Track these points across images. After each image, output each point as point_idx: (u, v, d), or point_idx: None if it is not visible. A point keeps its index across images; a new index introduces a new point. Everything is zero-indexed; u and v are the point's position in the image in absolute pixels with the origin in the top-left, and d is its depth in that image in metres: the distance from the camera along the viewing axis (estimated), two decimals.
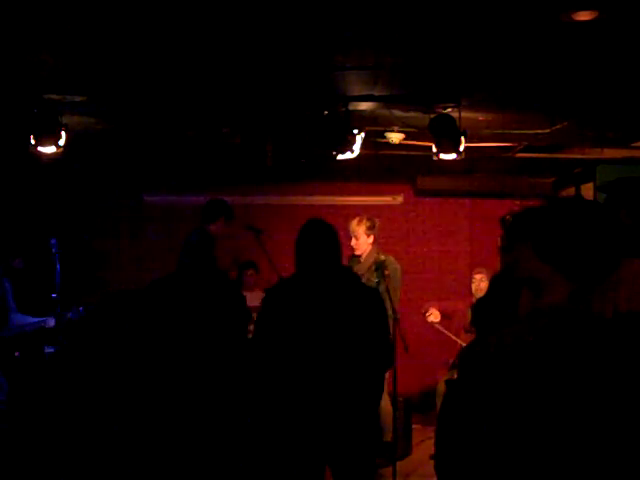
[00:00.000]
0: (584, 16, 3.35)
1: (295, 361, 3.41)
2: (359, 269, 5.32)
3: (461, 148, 5.11)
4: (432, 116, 5.09)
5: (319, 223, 3.65)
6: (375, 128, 5.75)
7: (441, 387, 6.38)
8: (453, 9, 3.36)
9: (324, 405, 3.40)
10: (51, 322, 5.46)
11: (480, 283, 6.63)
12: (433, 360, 7.09)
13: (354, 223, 5.70)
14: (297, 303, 3.49)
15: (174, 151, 6.77)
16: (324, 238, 3.55)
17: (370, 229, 5.70)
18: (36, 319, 5.50)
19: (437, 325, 6.41)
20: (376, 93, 4.85)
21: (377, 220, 6.05)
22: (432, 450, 6.30)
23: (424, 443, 6.25)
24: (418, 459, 5.99)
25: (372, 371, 3.61)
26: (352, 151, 5.30)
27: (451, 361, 6.68)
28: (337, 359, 3.42)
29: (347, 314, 3.47)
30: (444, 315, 6.50)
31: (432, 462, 6.56)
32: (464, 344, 6.32)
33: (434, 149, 5.19)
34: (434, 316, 6.38)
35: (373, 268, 5.49)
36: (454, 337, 6.39)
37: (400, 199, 8.33)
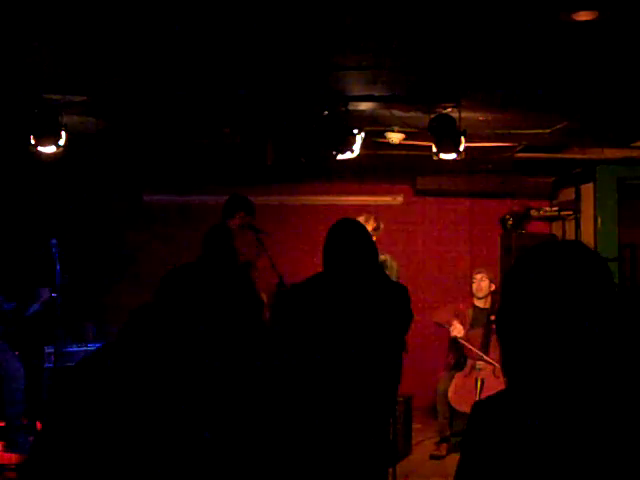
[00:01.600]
0: (584, 16, 3.35)
1: (314, 362, 3.29)
2: None
3: (461, 148, 5.11)
4: (432, 116, 5.09)
5: (352, 222, 3.59)
6: (375, 128, 5.75)
7: (441, 387, 6.38)
8: (453, 9, 3.36)
9: (340, 409, 3.28)
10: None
11: (480, 283, 6.63)
12: (433, 360, 7.09)
13: (361, 220, 5.74)
14: (324, 303, 3.39)
15: (174, 151, 6.78)
16: (357, 237, 3.47)
17: (375, 230, 5.80)
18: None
19: (461, 340, 6.37)
20: (376, 93, 4.85)
21: (382, 223, 6.14)
22: (432, 450, 6.32)
23: (424, 443, 6.25)
24: (418, 459, 5.99)
25: (391, 384, 3.53)
26: (352, 151, 5.30)
27: (451, 361, 6.68)
28: (359, 365, 3.32)
29: (376, 317, 3.38)
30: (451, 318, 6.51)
31: (432, 462, 6.63)
32: (484, 356, 6.29)
33: (434, 149, 5.19)
34: (457, 331, 6.36)
35: None
36: (477, 351, 6.35)
37: (400, 199, 8.33)
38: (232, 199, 6.19)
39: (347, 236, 3.46)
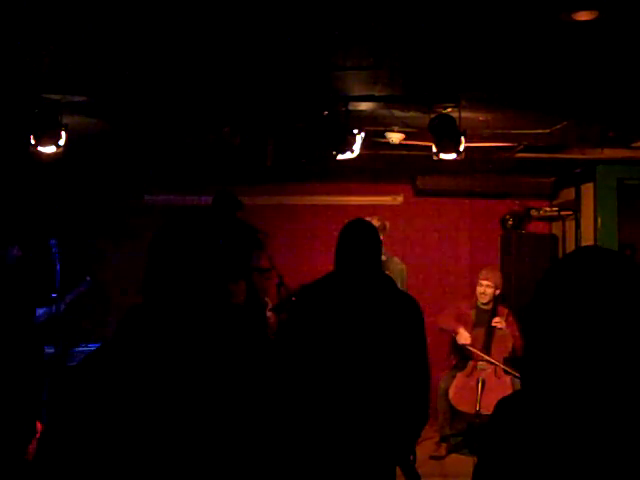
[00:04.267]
0: (584, 16, 3.35)
1: (319, 371, 3.24)
2: None
3: (461, 148, 5.11)
4: (432, 116, 5.09)
5: (363, 223, 3.55)
6: (375, 128, 5.75)
7: (442, 386, 6.38)
8: (453, 9, 3.36)
9: (343, 426, 3.21)
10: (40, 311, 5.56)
11: (486, 289, 6.60)
12: (433, 360, 7.07)
13: None
14: (330, 308, 3.33)
15: (175, 151, 6.78)
16: (366, 240, 3.41)
17: (380, 230, 5.78)
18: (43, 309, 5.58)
19: (469, 347, 6.39)
20: (376, 93, 4.85)
21: (387, 223, 6.11)
22: (432, 450, 6.31)
23: (424, 443, 6.24)
24: (418, 459, 5.96)
25: (402, 412, 3.43)
26: (352, 151, 5.31)
27: (453, 362, 6.68)
28: (365, 376, 3.27)
29: (384, 326, 3.33)
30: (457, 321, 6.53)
31: (432, 462, 6.62)
32: (493, 360, 6.30)
33: (434, 149, 5.19)
34: (464, 338, 6.38)
35: None
36: (487, 357, 6.36)
37: (400, 199, 8.33)
38: (220, 198, 5.96)
39: (360, 237, 3.41)
